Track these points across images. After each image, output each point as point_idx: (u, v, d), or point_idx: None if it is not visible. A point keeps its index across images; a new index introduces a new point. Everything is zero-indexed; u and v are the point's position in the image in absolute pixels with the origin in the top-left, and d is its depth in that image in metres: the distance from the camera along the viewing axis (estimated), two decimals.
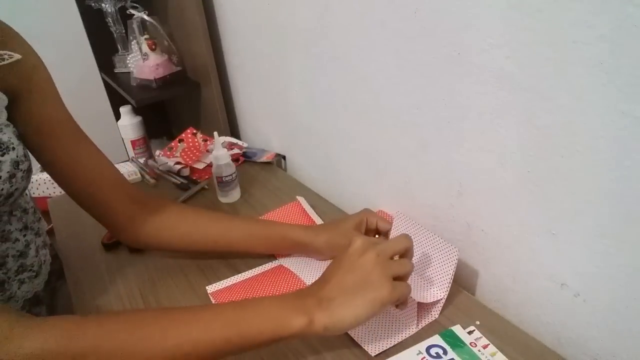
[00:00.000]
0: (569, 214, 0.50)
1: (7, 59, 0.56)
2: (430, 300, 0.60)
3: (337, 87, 0.81)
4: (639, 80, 0.40)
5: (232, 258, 0.76)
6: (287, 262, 0.72)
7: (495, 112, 0.54)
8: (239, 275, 0.71)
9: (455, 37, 0.55)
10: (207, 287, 0.69)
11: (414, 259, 0.58)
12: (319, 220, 0.83)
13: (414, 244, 0.56)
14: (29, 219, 0.68)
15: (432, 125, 0.64)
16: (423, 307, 0.61)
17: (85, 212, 0.68)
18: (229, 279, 0.70)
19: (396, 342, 0.57)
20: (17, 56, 0.57)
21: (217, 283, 0.69)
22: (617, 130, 0.43)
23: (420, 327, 0.59)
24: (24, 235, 0.64)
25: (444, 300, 0.61)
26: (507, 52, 0.50)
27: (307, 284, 0.66)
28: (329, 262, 0.67)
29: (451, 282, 0.61)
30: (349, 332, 0.58)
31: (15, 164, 0.55)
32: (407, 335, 0.58)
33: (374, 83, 0.72)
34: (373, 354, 0.56)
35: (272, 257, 0.73)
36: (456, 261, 0.60)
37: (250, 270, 0.72)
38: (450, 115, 0.60)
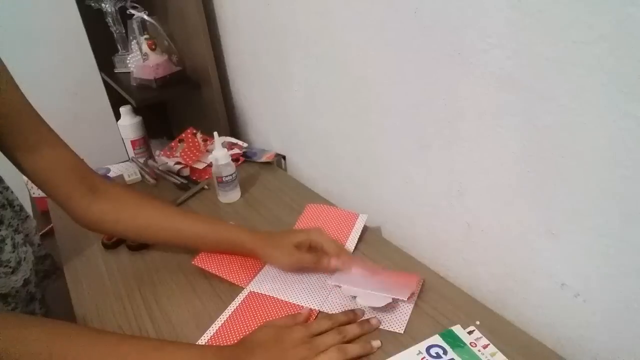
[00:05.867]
0: (569, 214, 0.50)
1: None
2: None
3: (337, 87, 0.81)
4: (639, 80, 0.40)
5: None
6: (256, 287, 0.69)
7: (495, 112, 0.54)
8: (218, 320, 0.64)
9: (455, 37, 0.55)
10: (198, 342, 0.60)
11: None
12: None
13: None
14: (7, 214, 0.68)
15: (432, 125, 0.64)
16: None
17: None
18: (211, 327, 0.63)
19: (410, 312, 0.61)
20: None
21: (204, 335, 0.62)
22: (617, 130, 0.43)
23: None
24: None
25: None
26: (508, 52, 0.50)
27: (284, 300, 0.66)
28: (307, 273, 0.70)
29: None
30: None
31: None
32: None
33: (374, 83, 0.72)
34: (402, 331, 0.59)
35: (240, 289, 0.69)
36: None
37: (226, 310, 0.66)
38: (450, 115, 0.60)
